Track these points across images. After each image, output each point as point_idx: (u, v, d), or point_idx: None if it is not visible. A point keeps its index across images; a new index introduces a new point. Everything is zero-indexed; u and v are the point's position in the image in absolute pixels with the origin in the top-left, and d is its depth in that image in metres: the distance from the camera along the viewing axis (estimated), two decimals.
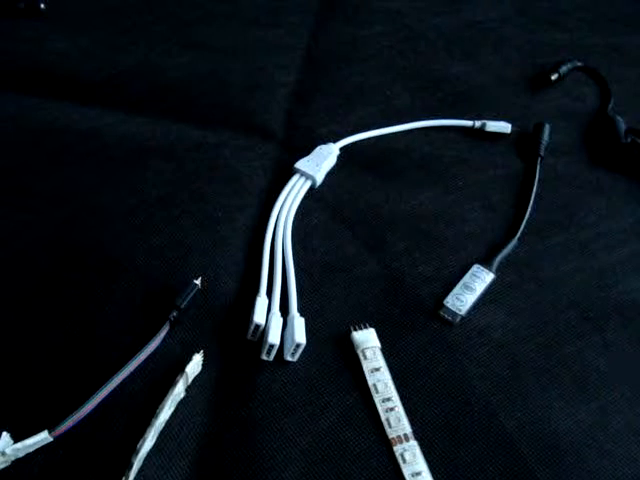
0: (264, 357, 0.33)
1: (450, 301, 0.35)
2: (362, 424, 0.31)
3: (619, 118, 0.48)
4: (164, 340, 0.32)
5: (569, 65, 0.53)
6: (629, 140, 0.46)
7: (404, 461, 0.29)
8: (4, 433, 0.28)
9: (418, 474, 0.29)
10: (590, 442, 0.31)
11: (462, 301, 0.35)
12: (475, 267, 0.37)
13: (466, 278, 0.37)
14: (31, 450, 0.28)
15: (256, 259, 0.37)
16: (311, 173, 0.41)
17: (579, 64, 0.54)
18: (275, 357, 0.33)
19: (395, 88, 0.51)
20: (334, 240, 0.39)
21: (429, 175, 0.44)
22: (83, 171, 0.42)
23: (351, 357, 0.33)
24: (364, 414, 0.31)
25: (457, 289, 0.36)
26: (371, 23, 0.57)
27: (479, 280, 0.36)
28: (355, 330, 0.34)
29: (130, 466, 0.27)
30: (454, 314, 0.35)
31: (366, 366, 0.32)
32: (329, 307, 0.35)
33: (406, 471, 0.29)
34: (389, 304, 0.36)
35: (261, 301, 0.34)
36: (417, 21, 0.58)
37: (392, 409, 0.31)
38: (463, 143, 0.47)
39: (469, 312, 0.35)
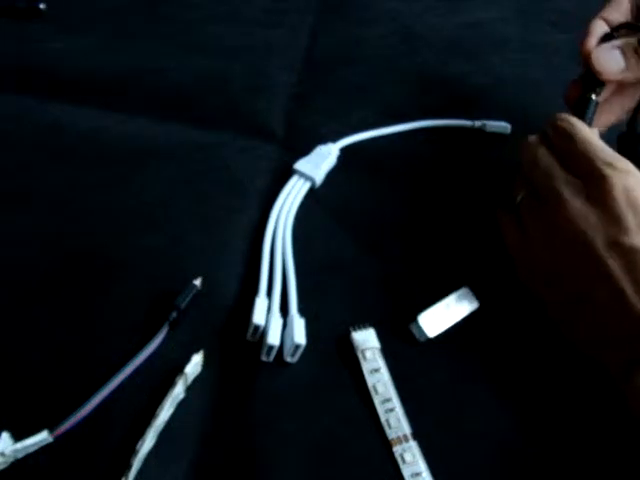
0: (264, 358, 0.33)
1: (424, 317, 0.33)
2: (362, 425, 0.31)
3: None
4: (163, 341, 0.32)
5: None
6: None
7: (404, 462, 0.29)
8: (4, 433, 0.28)
9: (418, 475, 0.29)
10: None
11: (437, 322, 0.33)
12: (463, 289, 0.35)
13: (450, 298, 0.35)
14: (31, 450, 0.28)
15: (256, 260, 0.37)
16: (310, 174, 0.41)
17: None
18: (275, 358, 0.33)
19: (395, 88, 0.51)
20: (334, 241, 0.39)
21: (428, 175, 0.44)
22: (83, 171, 0.42)
23: (351, 358, 0.33)
24: (364, 415, 0.31)
25: (437, 306, 0.34)
26: (371, 23, 0.57)
27: (463, 304, 0.35)
28: (355, 330, 0.34)
29: (129, 467, 0.27)
30: (422, 333, 0.33)
31: (366, 367, 0.32)
32: (329, 308, 0.35)
33: (406, 472, 0.29)
34: (389, 305, 0.36)
35: (261, 302, 0.34)
36: (417, 21, 0.58)
37: (392, 410, 0.31)
38: (463, 143, 0.47)
39: (439, 334, 0.33)
